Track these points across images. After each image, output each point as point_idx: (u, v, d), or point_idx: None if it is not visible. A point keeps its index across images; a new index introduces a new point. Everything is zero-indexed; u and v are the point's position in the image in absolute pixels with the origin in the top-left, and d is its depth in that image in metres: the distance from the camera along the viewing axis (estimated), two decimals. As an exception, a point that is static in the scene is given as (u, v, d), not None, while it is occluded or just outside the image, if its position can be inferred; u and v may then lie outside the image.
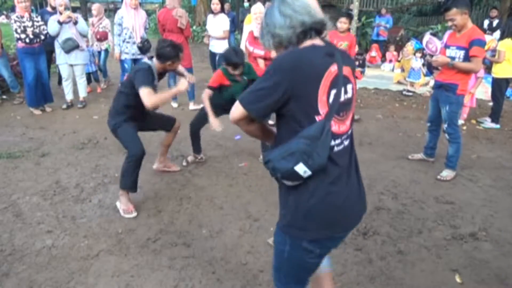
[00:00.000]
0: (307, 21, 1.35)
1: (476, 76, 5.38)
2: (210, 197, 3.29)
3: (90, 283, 2.28)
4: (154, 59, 3.09)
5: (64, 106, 5.62)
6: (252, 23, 5.09)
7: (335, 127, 1.36)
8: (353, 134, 1.51)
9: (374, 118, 5.78)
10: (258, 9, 5.11)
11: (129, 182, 3.03)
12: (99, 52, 6.67)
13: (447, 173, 3.77)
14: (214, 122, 3.44)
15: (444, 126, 3.74)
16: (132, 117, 3.12)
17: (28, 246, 2.59)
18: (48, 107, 5.56)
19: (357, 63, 8.18)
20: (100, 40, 6.47)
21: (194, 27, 13.88)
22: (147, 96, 2.81)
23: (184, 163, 3.90)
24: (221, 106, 3.55)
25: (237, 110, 1.37)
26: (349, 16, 5.22)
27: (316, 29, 1.38)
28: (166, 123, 3.51)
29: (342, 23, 5.11)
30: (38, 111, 5.42)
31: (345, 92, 1.38)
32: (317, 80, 1.30)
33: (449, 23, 3.53)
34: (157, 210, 3.07)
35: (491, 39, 6.08)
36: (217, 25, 5.79)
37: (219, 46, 5.83)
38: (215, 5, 5.78)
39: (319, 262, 1.55)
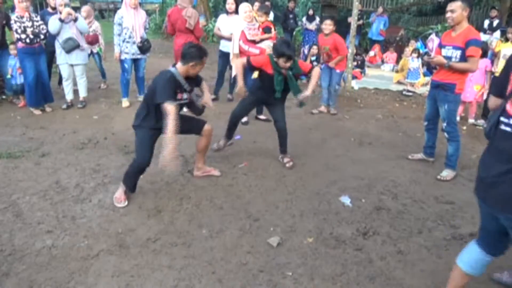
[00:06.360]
0: None
1: (485, 71, 5.40)
2: (210, 197, 3.28)
3: (90, 283, 2.28)
4: (178, 63, 3.05)
5: (64, 106, 5.61)
6: (241, 22, 4.99)
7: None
8: None
9: (374, 118, 5.78)
10: (247, 8, 5.01)
11: (129, 183, 3.12)
12: (92, 55, 6.57)
13: (447, 173, 3.77)
14: (240, 86, 3.69)
15: (443, 124, 3.76)
16: (152, 122, 3.03)
17: (28, 246, 2.59)
18: (48, 107, 5.55)
19: (355, 63, 8.15)
20: (91, 43, 6.26)
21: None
22: (168, 111, 2.80)
23: (215, 146, 4.07)
24: (261, 96, 3.81)
25: None
26: (334, 19, 5.38)
27: None
28: (193, 126, 3.32)
29: (327, 25, 5.26)
30: (38, 111, 5.41)
31: None
32: None
33: (448, 15, 3.49)
34: (157, 210, 3.07)
35: (498, 41, 6.08)
36: (230, 25, 5.52)
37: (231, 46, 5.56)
38: (230, 4, 5.59)
39: None
